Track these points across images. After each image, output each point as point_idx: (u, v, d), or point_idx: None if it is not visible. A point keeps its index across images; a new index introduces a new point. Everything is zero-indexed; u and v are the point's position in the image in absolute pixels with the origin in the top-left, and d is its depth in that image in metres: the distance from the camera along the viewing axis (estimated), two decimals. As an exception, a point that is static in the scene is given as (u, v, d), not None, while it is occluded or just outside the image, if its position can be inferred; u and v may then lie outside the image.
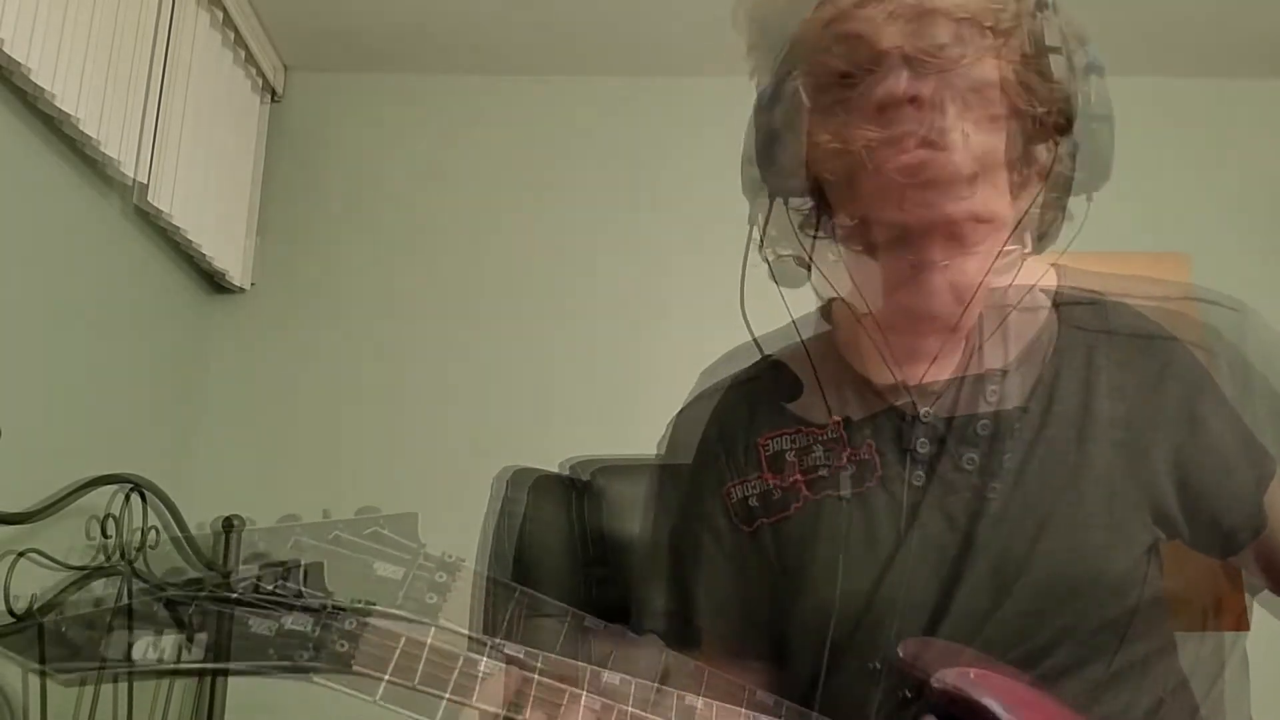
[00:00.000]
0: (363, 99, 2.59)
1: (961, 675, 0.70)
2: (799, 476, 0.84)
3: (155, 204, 1.96)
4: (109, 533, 1.78)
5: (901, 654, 0.73)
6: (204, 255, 2.21)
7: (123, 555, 1.81)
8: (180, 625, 0.61)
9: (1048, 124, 0.74)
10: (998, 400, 0.81)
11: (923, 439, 0.81)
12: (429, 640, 0.62)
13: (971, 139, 0.71)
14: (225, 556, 1.87)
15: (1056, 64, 0.73)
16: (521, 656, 0.64)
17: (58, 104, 1.64)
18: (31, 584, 1.50)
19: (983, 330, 0.83)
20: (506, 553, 1.12)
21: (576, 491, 1.20)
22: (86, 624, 0.62)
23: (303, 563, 0.64)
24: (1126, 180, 0.82)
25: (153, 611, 0.61)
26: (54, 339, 1.75)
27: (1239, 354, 0.80)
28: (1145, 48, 2.46)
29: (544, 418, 2.34)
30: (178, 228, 2.07)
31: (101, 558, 1.77)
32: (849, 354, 0.88)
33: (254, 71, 2.43)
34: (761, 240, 0.82)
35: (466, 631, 0.64)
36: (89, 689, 1.53)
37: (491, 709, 0.62)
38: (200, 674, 0.61)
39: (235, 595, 0.61)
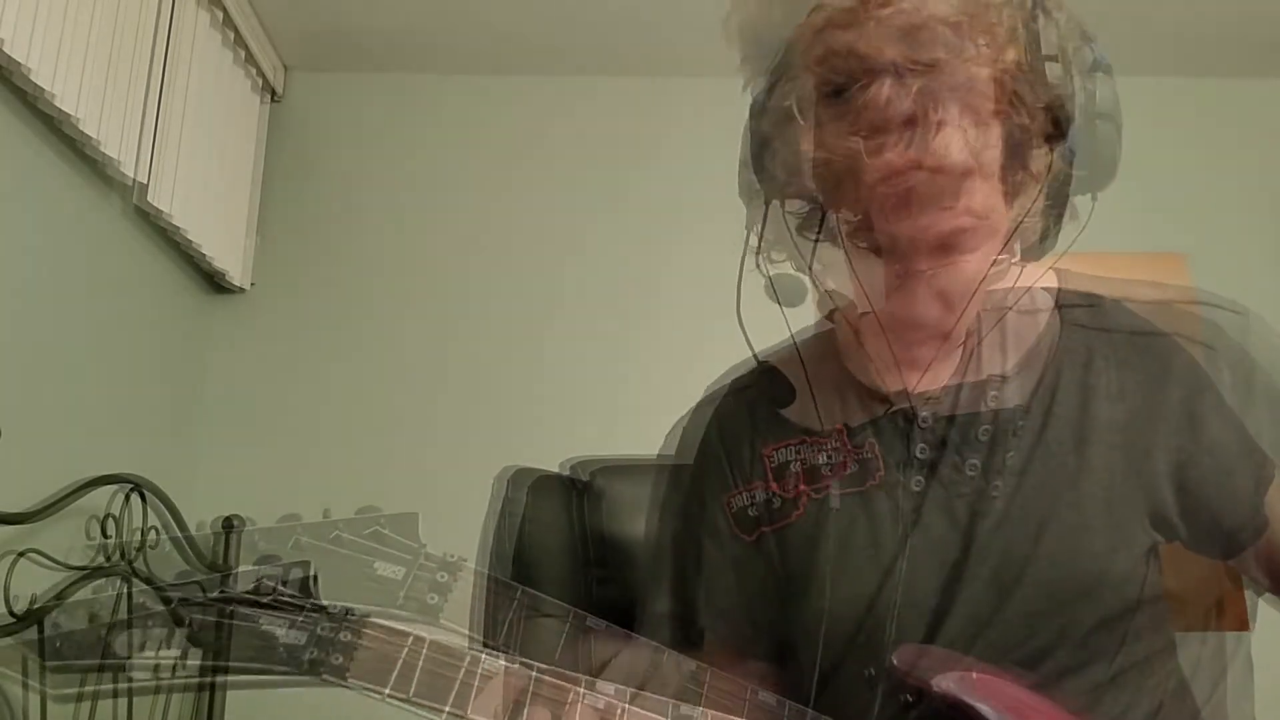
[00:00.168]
0: (363, 99, 2.59)
1: (962, 679, 0.70)
2: (802, 485, 0.84)
3: (155, 204, 1.96)
4: (109, 533, 1.78)
5: (896, 661, 0.73)
6: (204, 255, 2.20)
7: (123, 555, 1.81)
8: (180, 624, 0.61)
9: (1041, 130, 0.74)
10: (998, 403, 0.81)
11: (922, 443, 0.81)
12: (425, 649, 0.62)
13: (961, 151, 0.71)
14: (225, 556, 1.87)
15: (1052, 71, 0.73)
16: (517, 668, 0.64)
17: (58, 104, 1.64)
18: (31, 584, 1.50)
19: (981, 333, 0.83)
20: (506, 553, 1.12)
21: (576, 492, 1.20)
22: (83, 636, 0.61)
23: (311, 569, 0.64)
24: (1125, 180, 0.81)
25: (148, 622, 0.61)
26: (54, 339, 1.75)
27: (1242, 357, 0.80)
28: (1145, 48, 2.46)
29: (544, 418, 2.34)
30: (178, 228, 2.07)
31: (101, 558, 1.76)
32: (850, 357, 0.88)
33: (254, 71, 2.43)
34: (759, 248, 0.82)
35: (466, 632, 0.64)
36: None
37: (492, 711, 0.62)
38: (200, 686, 0.61)
39: (231, 608, 0.61)
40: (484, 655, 0.63)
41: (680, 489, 0.94)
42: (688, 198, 2.42)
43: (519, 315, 2.45)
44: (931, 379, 0.83)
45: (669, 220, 2.47)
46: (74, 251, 1.82)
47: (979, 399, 0.81)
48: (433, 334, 2.44)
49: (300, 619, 0.61)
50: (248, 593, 0.62)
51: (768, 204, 0.81)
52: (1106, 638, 0.76)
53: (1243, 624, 0.84)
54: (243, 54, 2.35)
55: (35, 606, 1.45)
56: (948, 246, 0.74)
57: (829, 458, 0.83)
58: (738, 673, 0.73)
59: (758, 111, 0.80)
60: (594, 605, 1.12)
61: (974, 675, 0.71)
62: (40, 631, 0.63)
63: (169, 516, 1.96)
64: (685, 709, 0.66)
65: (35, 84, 1.59)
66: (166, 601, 0.62)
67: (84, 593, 1.62)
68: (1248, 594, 0.84)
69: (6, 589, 1.45)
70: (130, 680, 0.61)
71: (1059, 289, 0.86)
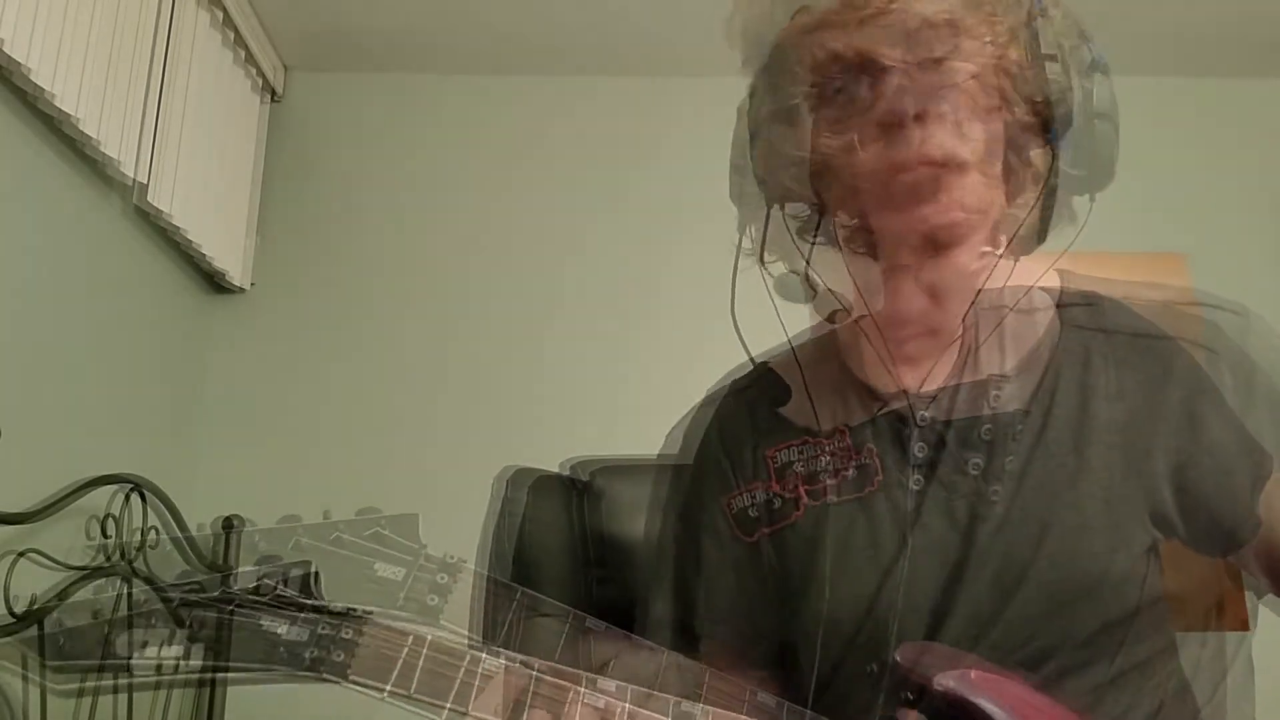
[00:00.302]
0: (363, 99, 2.59)
1: (962, 677, 0.70)
2: (802, 486, 0.84)
3: (155, 204, 1.96)
4: (109, 533, 1.78)
5: (899, 659, 0.73)
6: (204, 255, 2.21)
7: (123, 555, 1.81)
8: (181, 624, 0.61)
9: (1037, 127, 0.74)
10: (997, 404, 0.81)
11: (920, 443, 0.81)
12: (425, 648, 0.62)
13: (954, 146, 0.71)
14: (225, 556, 1.87)
15: (1050, 68, 0.73)
16: (518, 665, 0.64)
17: (58, 104, 1.64)
18: (31, 584, 1.50)
19: (979, 333, 0.83)
20: (506, 553, 1.12)
21: (576, 492, 1.20)
22: (83, 635, 0.61)
23: (312, 568, 0.64)
24: (1125, 180, 0.81)
25: (149, 621, 0.61)
26: (54, 339, 1.75)
27: (1242, 358, 0.80)
28: (1145, 48, 2.46)
29: (544, 418, 2.34)
30: (178, 228, 2.07)
31: (101, 558, 1.76)
32: (849, 357, 0.88)
33: (254, 71, 2.43)
34: (761, 249, 0.82)
35: (465, 633, 0.64)
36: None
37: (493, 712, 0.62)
38: (200, 683, 0.61)
39: (231, 608, 0.61)
40: (485, 654, 0.63)
41: (680, 491, 0.94)
42: (688, 198, 2.42)
43: (519, 315, 2.45)
44: (930, 379, 0.83)
45: (669, 220, 2.47)
46: (74, 251, 1.82)
47: (978, 399, 0.81)
48: (433, 334, 2.44)
49: (301, 617, 0.61)
50: (248, 592, 0.62)
51: (769, 206, 0.81)
52: (1107, 638, 0.76)
53: (1243, 625, 0.84)
54: (243, 54, 2.35)
55: (35, 606, 1.45)
56: (935, 242, 0.75)
57: (830, 458, 0.84)
58: (735, 677, 0.73)
59: (754, 115, 0.80)
60: (594, 605, 1.13)
61: (976, 673, 0.71)
62: (40, 631, 0.63)
63: (169, 516, 1.96)
64: (686, 706, 0.66)
65: (35, 84, 1.59)
66: (167, 601, 0.62)
67: (84, 593, 1.62)
68: (1248, 595, 0.84)
69: (6, 589, 1.46)
70: (131, 677, 0.61)
71: (1060, 289, 0.86)
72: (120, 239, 1.98)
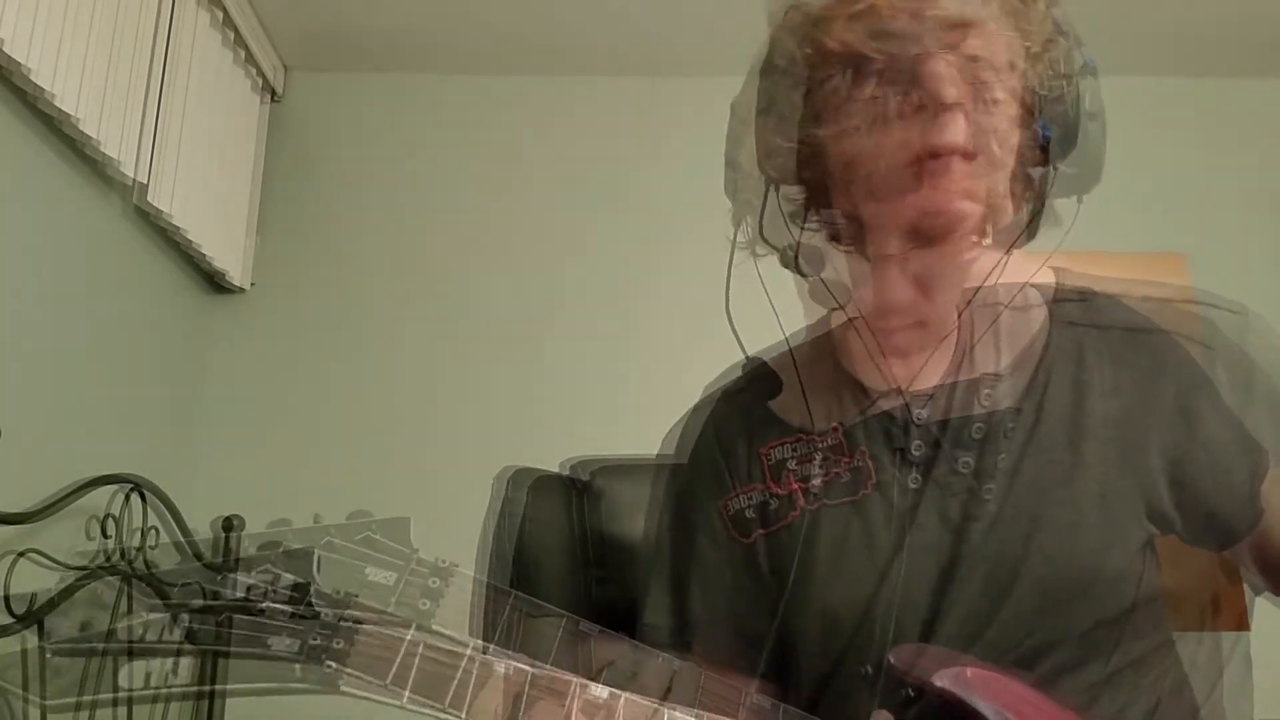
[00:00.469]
0: (363, 99, 2.59)
1: (958, 677, 0.70)
2: (796, 486, 0.84)
3: (155, 204, 1.96)
4: (109, 533, 1.78)
5: (894, 660, 0.73)
6: (204, 255, 2.21)
7: (123, 555, 1.81)
8: (175, 623, 0.61)
9: (1028, 120, 0.74)
10: (992, 402, 0.81)
11: (917, 441, 0.81)
12: (421, 649, 0.62)
13: (959, 135, 0.71)
14: (225, 557, 1.87)
15: (1049, 65, 0.74)
16: (515, 667, 0.64)
17: (58, 104, 1.64)
18: (31, 584, 1.50)
19: (974, 331, 0.83)
20: (506, 553, 1.12)
21: (576, 492, 1.20)
22: (80, 651, 0.61)
23: (314, 566, 0.64)
24: (1125, 180, 0.82)
25: (144, 627, 0.61)
26: (54, 339, 1.75)
27: (1240, 357, 0.80)
28: (1145, 48, 2.46)
29: (544, 418, 2.34)
30: (178, 228, 2.07)
31: (101, 558, 1.76)
32: (843, 354, 0.88)
33: (254, 71, 2.43)
34: (760, 228, 0.82)
35: (459, 636, 0.64)
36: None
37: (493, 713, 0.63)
38: (199, 694, 0.61)
39: (223, 616, 0.61)
40: (481, 655, 0.63)
41: (676, 493, 0.94)
42: (688, 198, 2.41)
43: (519, 315, 2.45)
44: (923, 376, 0.83)
45: (669, 220, 2.47)
46: (74, 251, 1.82)
47: (973, 397, 0.81)
48: (433, 334, 2.44)
49: (295, 625, 0.61)
50: (242, 599, 0.62)
51: (767, 188, 0.81)
52: (1104, 635, 0.76)
53: (1241, 623, 0.84)
54: (243, 54, 2.35)
55: (35, 606, 1.45)
56: (925, 231, 0.75)
57: (825, 457, 0.84)
58: (730, 680, 0.73)
59: (761, 107, 0.80)
60: (593, 605, 1.13)
61: (972, 673, 0.71)
62: (40, 632, 0.63)
63: (169, 516, 1.96)
64: (681, 710, 0.66)
65: (35, 84, 1.59)
66: (165, 600, 0.62)
67: (84, 593, 1.62)
68: (1246, 592, 0.84)
69: (6, 589, 1.46)
70: (130, 688, 0.61)
71: (1056, 285, 0.86)
72: (120, 239, 1.98)
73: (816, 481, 0.83)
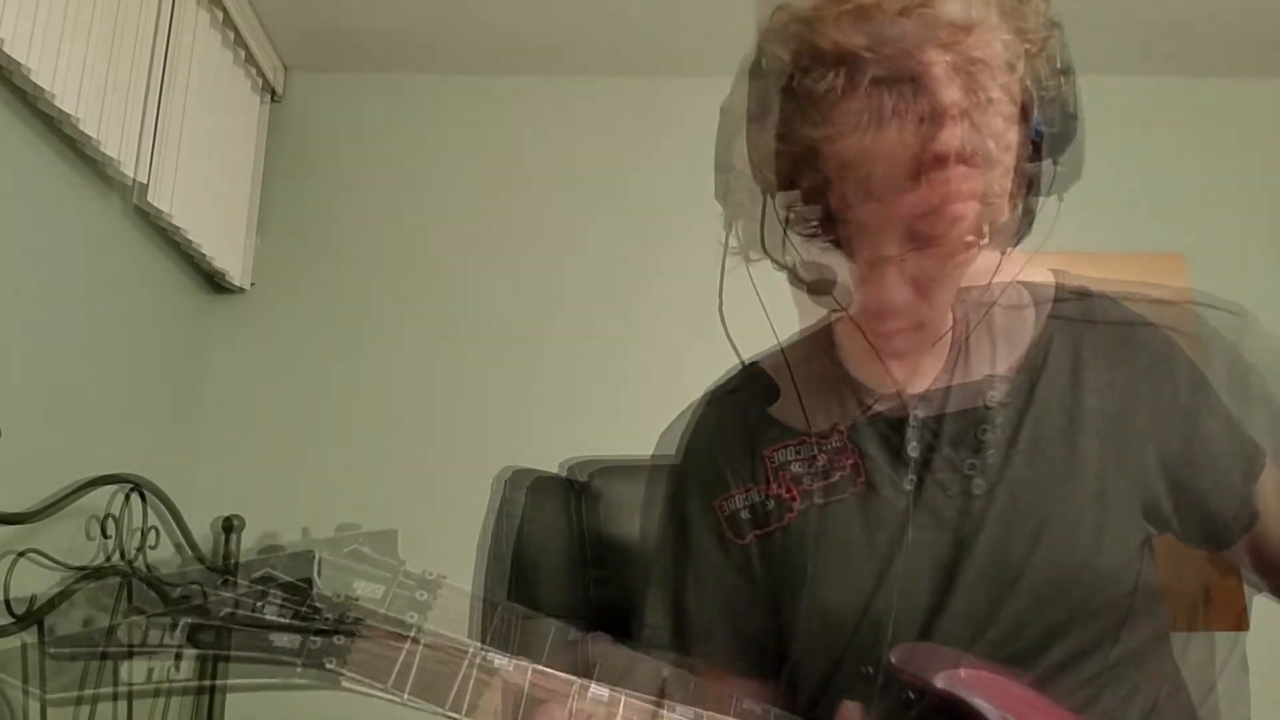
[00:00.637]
0: (363, 99, 2.59)
1: (955, 677, 0.71)
2: (795, 487, 0.84)
3: (155, 204, 1.96)
4: (109, 533, 1.78)
5: (894, 659, 0.73)
6: (204, 255, 2.21)
7: (123, 555, 1.81)
8: (174, 624, 0.62)
9: (1019, 120, 0.74)
10: (988, 401, 0.81)
11: (914, 441, 0.81)
12: (422, 648, 0.62)
13: (954, 140, 0.71)
14: (225, 557, 1.87)
15: (1041, 66, 0.73)
16: (515, 667, 0.64)
17: (58, 104, 1.64)
18: (31, 584, 1.50)
19: (969, 330, 0.83)
20: (505, 554, 1.12)
21: (575, 492, 1.20)
22: (78, 644, 0.62)
23: (315, 568, 0.64)
24: (1125, 180, 0.82)
25: (144, 629, 0.61)
26: (54, 339, 1.76)
27: (1237, 356, 0.80)
28: (1145, 48, 2.46)
29: (544, 418, 2.34)
30: (178, 228, 2.07)
31: (101, 558, 1.77)
32: (841, 355, 0.88)
33: (254, 71, 2.43)
34: (762, 238, 0.82)
35: (458, 638, 0.64)
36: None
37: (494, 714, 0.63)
38: (199, 689, 0.61)
39: (227, 610, 0.61)
40: (481, 655, 0.64)
41: (671, 495, 0.93)
42: (688, 198, 2.41)
43: (519, 315, 2.45)
44: (920, 376, 0.83)
45: (669, 220, 2.47)
46: (74, 251, 1.82)
47: (970, 397, 0.81)
48: (432, 334, 2.44)
49: (296, 622, 0.61)
50: (244, 595, 0.62)
51: (764, 194, 0.80)
52: (1100, 633, 0.76)
53: (1240, 623, 0.84)
54: (243, 54, 2.35)
55: (35, 607, 1.45)
56: (922, 233, 0.74)
57: (824, 458, 0.84)
58: (724, 684, 0.73)
59: (740, 108, 0.79)
60: (592, 606, 1.13)
61: (971, 672, 0.71)
62: (40, 632, 0.63)
63: (169, 516, 1.97)
64: (682, 709, 0.66)
65: (35, 84, 1.59)
66: (165, 599, 0.62)
67: (84, 593, 1.63)
68: (1245, 592, 0.84)
69: (6, 589, 1.46)
70: (130, 683, 0.61)
71: (1055, 285, 0.86)
72: (120, 239, 1.99)
73: (816, 483, 0.83)
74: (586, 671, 0.66)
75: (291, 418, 2.38)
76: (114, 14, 1.82)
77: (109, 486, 1.79)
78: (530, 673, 0.64)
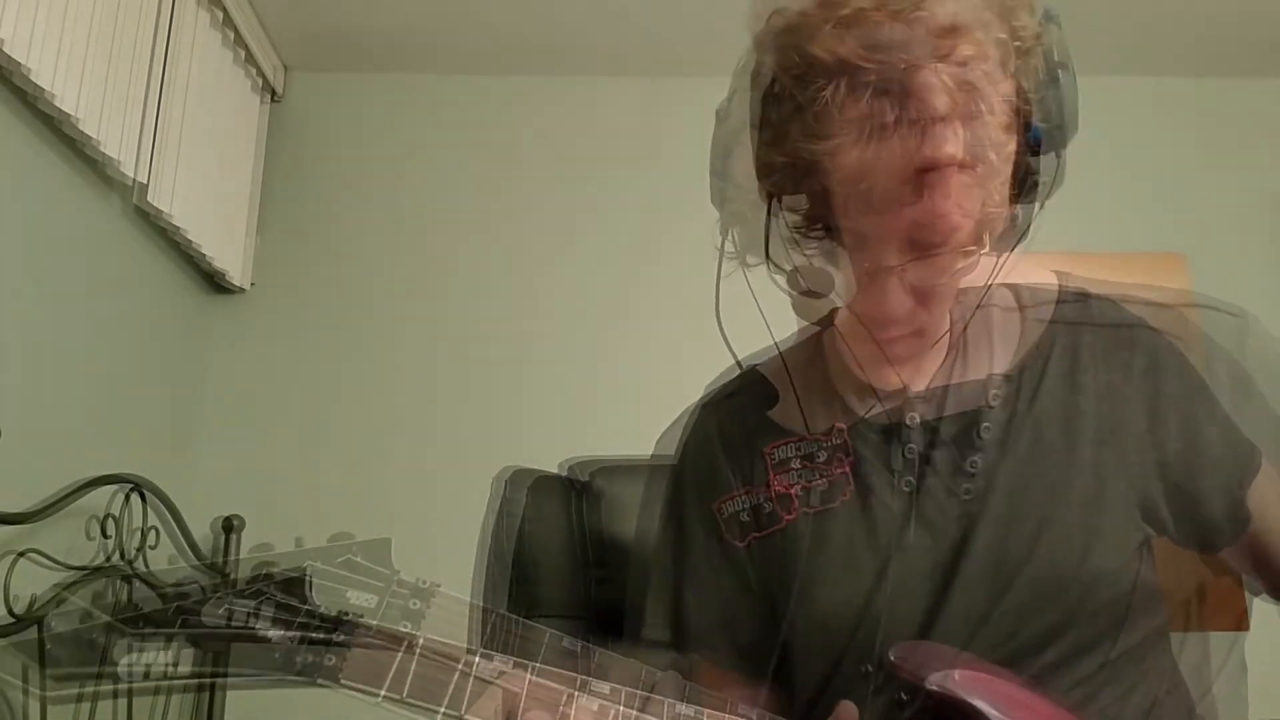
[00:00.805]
0: (363, 99, 2.59)
1: (957, 676, 0.70)
2: (794, 488, 0.84)
3: (155, 204, 1.96)
4: (109, 533, 1.78)
5: (893, 658, 0.73)
6: (204, 255, 2.21)
7: (123, 555, 1.81)
8: (173, 624, 0.62)
9: (1016, 125, 0.74)
10: (987, 402, 0.81)
11: (911, 443, 0.81)
12: (419, 651, 0.62)
13: (955, 147, 0.70)
14: (225, 557, 1.87)
15: (1039, 65, 0.73)
16: (513, 669, 0.64)
17: (58, 104, 1.64)
18: (31, 584, 1.50)
19: (968, 332, 0.83)
20: (506, 553, 1.12)
21: (575, 492, 1.20)
22: (76, 643, 0.62)
23: (307, 573, 0.64)
24: (1124, 180, 0.81)
25: (142, 627, 0.61)
26: (54, 339, 1.76)
27: (1235, 360, 0.80)
28: (1145, 48, 2.46)
29: (544, 418, 2.34)
30: (178, 228, 2.07)
31: (101, 558, 1.77)
32: (842, 359, 0.88)
33: (254, 71, 2.43)
34: (766, 247, 0.81)
35: (454, 643, 0.64)
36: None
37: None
38: (199, 687, 0.62)
39: (225, 609, 0.61)
40: (479, 657, 0.63)
41: (669, 497, 0.93)
42: (687, 198, 2.41)
43: (518, 315, 2.45)
44: (918, 378, 0.83)
45: (668, 220, 2.47)
46: (74, 252, 1.82)
47: (967, 399, 0.81)
48: (432, 334, 2.44)
49: (294, 623, 0.61)
50: (241, 597, 0.62)
51: (769, 202, 0.80)
52: (1099, 634, 0.76)
53: (1240, 623, 0.84)
54: (243, 54, 2.35)
55: (35, 607, 1.45)
56: (922, 242, 0.74)
57: (824, 460, 0.84)
58: (721, 686, 0.73)
59: (736, 117, 0.79)
60: (592, 606, 1.13)
61: (969, 672, 0.71)
62: (40, 632, 0.63)
63: (169, 516, 1.97)
64: (682, 708, 0.66)
65: (35, 84, 1.59)
66: (165, 600, 0.62)
67: (84, 593, 1.63)
68: (1245, 593, 0.84)
69: (6, 589, 1.46)
70: (130, 681, 0.61)
71: (1056, 287, 0.86)
72: (120, 239, 1.98)
73: (816, 481, 0.83)
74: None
75: (291, 418, 2.38)
76: (114, 14, 1.82)
77: (109, 486, 1.79)
78: (527, 674, 0.64)
